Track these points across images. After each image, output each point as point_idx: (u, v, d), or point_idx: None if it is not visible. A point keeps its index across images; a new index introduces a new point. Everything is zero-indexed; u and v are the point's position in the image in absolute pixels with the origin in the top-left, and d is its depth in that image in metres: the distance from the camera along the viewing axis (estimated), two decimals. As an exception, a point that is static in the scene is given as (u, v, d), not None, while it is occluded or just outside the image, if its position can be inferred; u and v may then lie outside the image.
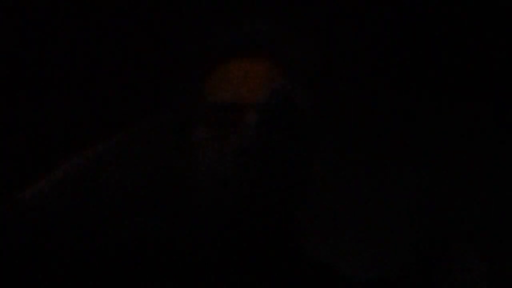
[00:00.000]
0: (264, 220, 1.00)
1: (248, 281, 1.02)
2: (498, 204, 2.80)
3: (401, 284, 1.17)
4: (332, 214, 2.69)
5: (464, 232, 2.34)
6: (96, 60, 2.30)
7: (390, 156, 2.86)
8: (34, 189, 1.03)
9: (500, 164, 2.88)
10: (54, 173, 1.05)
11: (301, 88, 1.04)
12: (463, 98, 2.87)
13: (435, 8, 2.57)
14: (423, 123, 2.91)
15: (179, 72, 1.12)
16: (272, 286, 1.02)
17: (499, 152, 2.88)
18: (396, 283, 1.13)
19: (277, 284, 1.03)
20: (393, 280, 1.11)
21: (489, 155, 2.89)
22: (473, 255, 2.25)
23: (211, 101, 1.04)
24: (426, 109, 2.89)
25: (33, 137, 2.24)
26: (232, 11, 2.19)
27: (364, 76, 2.78)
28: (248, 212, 0.98)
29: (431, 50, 2.74)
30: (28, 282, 0.96)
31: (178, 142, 1.08)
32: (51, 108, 2.30)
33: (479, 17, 2.60)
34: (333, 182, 2.53)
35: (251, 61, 1.06)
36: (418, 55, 2.73)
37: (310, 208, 1.07)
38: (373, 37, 2.64)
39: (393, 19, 2.60)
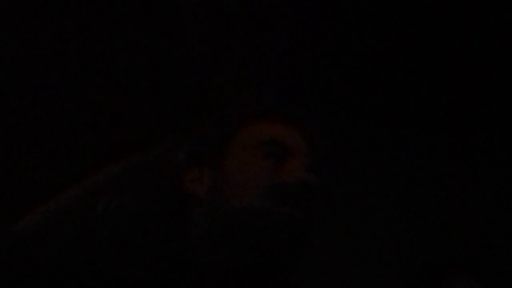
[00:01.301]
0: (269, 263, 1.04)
1: None
2: (495, 233, 2.81)
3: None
4: (329, 248, 2.70)
5: (460, 261, 2.34)
6: (108, 90, 2.31)
7: (388, 186, 2.88)
8: (30, 220, 1.02)
9: (497, 195, 2.89)
10: (52, 202, 1.05)
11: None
12: (460, 133, 2.90)
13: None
14: (420, 157, 2.94)
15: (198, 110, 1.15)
16: None
17: (497, 184, 2.90)
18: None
19: None
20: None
21: (487, 187, 2.91)
22: (469, 283, 2.25)
23: (260, 137, 1.09)
24: (423, 143, 2.92)
25: (32, 165, 2.24)
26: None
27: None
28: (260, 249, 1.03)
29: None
30: None
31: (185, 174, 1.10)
32: (50, 136, 2.31)
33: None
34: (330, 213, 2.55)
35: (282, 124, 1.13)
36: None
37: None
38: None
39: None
